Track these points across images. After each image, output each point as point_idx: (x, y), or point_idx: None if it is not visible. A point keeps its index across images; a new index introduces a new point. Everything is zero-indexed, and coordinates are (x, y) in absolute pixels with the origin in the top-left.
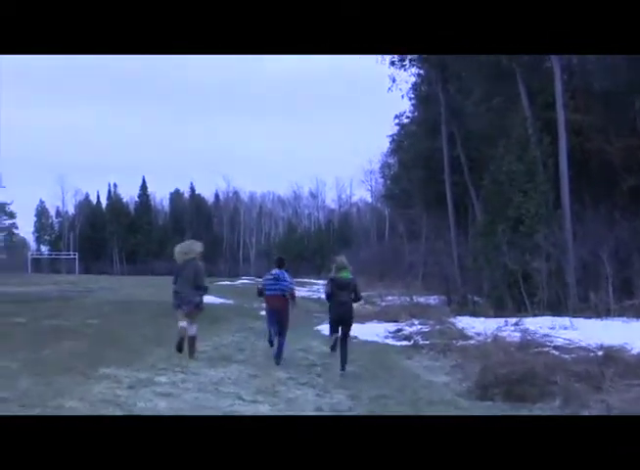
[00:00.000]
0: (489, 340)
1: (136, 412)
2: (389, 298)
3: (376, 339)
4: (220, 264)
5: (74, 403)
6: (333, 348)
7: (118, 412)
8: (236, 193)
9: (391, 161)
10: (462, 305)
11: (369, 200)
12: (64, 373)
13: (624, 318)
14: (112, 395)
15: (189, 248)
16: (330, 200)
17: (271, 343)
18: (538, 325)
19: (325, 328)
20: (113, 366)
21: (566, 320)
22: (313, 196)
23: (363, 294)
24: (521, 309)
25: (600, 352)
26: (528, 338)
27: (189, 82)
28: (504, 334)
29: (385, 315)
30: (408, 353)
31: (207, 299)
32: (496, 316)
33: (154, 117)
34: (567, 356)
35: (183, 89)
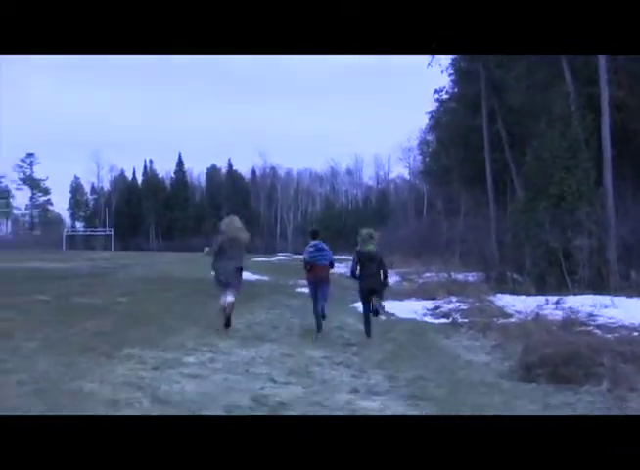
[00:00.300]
0: (530, 318)
1: (160, 395)
2: (427, 275)
3: (414, 316)
4: (257, 241)
5: (94, 386)
6: (367, 328)
7: (139, 395)
8: (273, 169)
9: (430, 137)
10: (501, 282)
11: (407, 177)
12: (86, 353)
13: None
14: (134, 376)
15: (237, 224)
16: (367, 177)
17: (319, 326)
18: (579, 304)
19: (360, 305)
20: (138, 346)
21: (607, 299)
22: (350, 173)
23: (401, 271)
24: (561, 287)
25: None
26: (571, 317)
27: (226, 59)
28: (545, 312)
29: (422, 293)
30: (447, 332)
31: (249, 275)
32: (537, 294)
33: (191, 93)
34: (609, 336)
35: (220, 65)
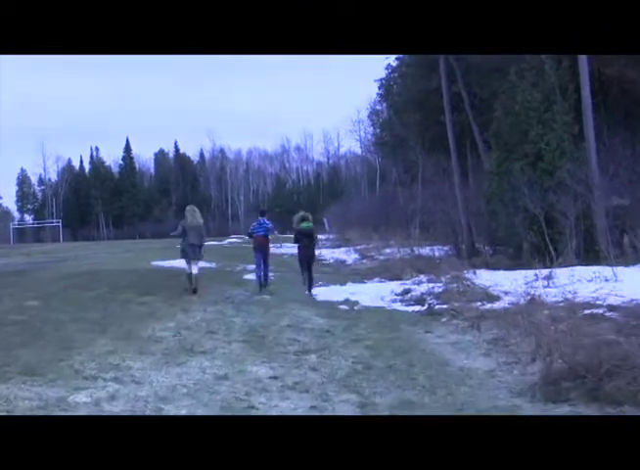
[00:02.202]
0: (524, 300)
1: None
2: (388, 250)
3: (381, 304)
4: (209, 224)
5: None
6: (305, 282)
7: None
8: (221, 151)
9: (380, 107)
10: (473, 255)
11: (358, 151)
12: None
13: None
14: None
15: (198, 215)
16: (317, 153)
17: (259, 278)
18: (575, 278)
19: (319, 292)
20: (15, 379)
21: (606, 270)
22: (300, 150)
23: (359, 247)
24: (544, 259)
25: None
26: (574, 297)
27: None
28: (539, 292)
29: (386, 272)
30: (425, 324)
31: (184, 264)
32: (518, 268)
33: (134, 75)
34: (635, 322)
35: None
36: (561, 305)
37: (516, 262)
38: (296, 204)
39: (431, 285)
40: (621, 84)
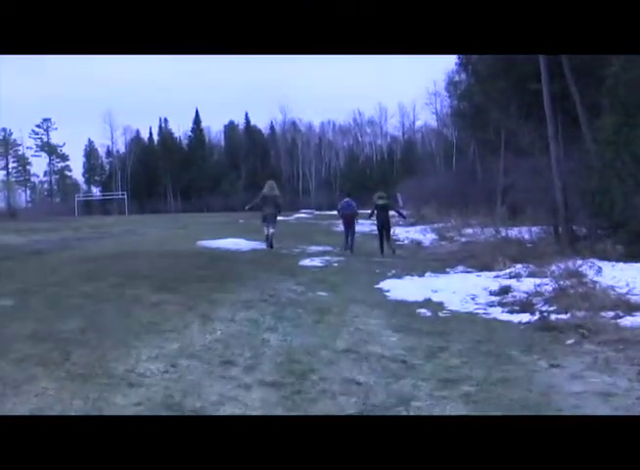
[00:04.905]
0: None
1: None
2: (469, 230)
3: (474, 308)
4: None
5: None
6: (381, 250)
7: None
8: (293, 123)
9: (459, 78)
10: (572, 241)
11: (434, 124)
12: None
13: None
14: None
15: (275, 187)
16: (392, 127)
17: (346, 246)
18: None
19: (392, 286)
20: None
21: None
22: (373, 124)
23: (436, 226)
24: None
25: None
26: None
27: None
28: None
29: (472, 259)
30: (544, 349)
31: (231, 245)
32: (635, 259)
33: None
34: None
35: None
36: None
37: (632, 251)
38: (368, 178)
39: (536, 281)
40: None
